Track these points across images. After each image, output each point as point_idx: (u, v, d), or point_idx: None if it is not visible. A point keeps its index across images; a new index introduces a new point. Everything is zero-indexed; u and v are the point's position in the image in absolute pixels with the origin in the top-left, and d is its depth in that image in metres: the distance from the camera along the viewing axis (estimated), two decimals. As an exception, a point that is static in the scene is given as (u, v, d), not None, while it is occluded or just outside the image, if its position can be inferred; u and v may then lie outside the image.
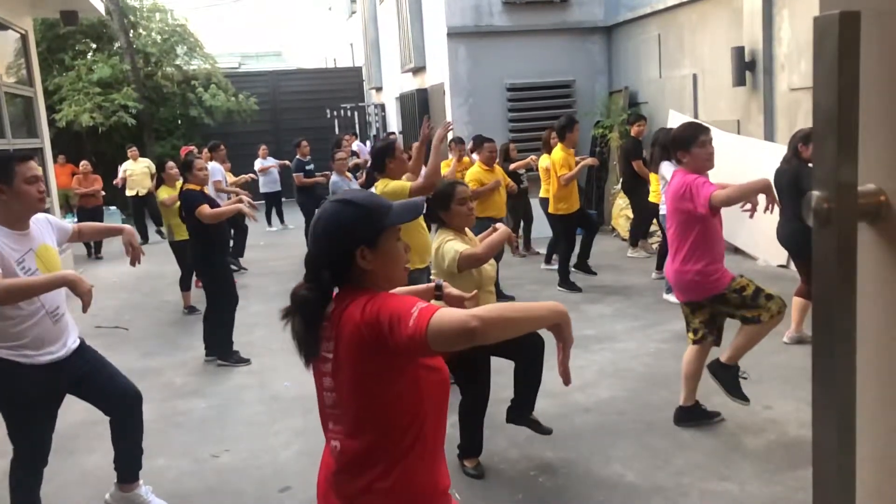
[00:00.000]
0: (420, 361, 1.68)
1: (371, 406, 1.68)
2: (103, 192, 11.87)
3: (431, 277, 3.63)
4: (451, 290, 2.21)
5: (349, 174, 8.22)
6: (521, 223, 9.30)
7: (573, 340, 1.71)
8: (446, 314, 1.52)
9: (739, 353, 3.93)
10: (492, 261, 3.58)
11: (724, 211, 3.86)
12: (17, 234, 3.00)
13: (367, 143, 15.63)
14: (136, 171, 12.27)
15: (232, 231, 9.06)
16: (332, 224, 1.74)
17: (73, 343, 3.22)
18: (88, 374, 3.28)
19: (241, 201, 5.93)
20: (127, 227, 3.47)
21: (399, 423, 1.68)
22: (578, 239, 7.64)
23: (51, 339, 3.09)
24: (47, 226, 3.24)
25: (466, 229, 3.56)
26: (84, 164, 11.77)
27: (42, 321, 3.04)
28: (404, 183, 4.60)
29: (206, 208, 5.51)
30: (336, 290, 1.77)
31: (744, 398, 3.96)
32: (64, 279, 2.85)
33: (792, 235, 5.10)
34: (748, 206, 3.63)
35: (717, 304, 3.83)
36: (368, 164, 7.68)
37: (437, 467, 1.77)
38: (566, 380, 1.74)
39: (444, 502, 1.79)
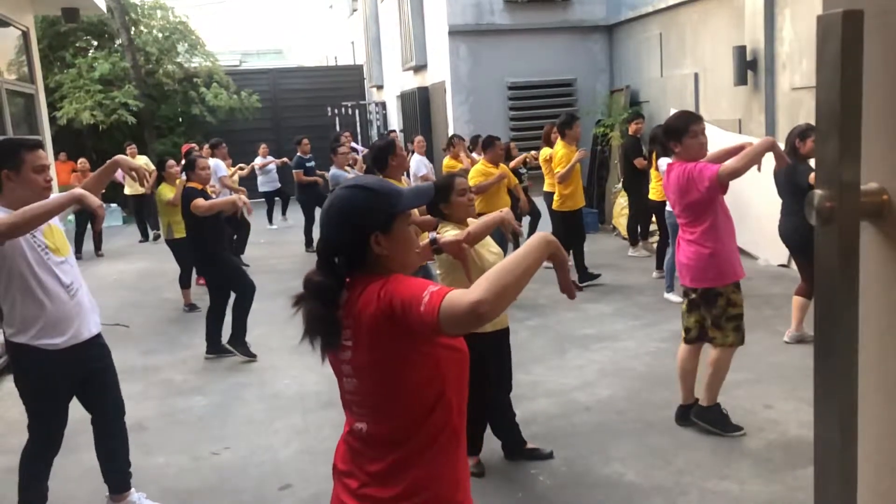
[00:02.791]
0: (438, 341, 1.68)
1: (394, 390, 1.69)
2: (102, 190, 11.85)
3: (437, 272, 3.63)
4: (445, 238, 2.22)
5: (348, 168, 8.24)
6: (524, 220, 9.27)
7: (567, 259, 1.71)
8: (455, 299, 1.50)
9: (713, 391, 3.92)
10: (497, 249, 3.57)
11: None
12: None
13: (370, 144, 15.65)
14: None
15: (234, 236, 9.08)
16: (345, 209, 1.73)
17: (94, 328, 3.25)
18: (95, 375, 3.31)
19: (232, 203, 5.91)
20: (117, 157, 3.42)
21: (423, 404, 1.68)
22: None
23: (69, 317, 3.10)
24: None
25: (469, 220, 3.56)
26: (82, 162, 11.75)
27: (59, 298, 3.07)
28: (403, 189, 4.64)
29: (200, 201, 5.52)
30: (348, 278, 1.77)
31: (737, 429, 3.92)
32: (72, 196, 2.96)
33: (793, 231, 5.09)
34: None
35: (706, 303, 3.80)
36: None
37: (459, 447, 1.78)
38: (571, 294, 1.74)
39: (465, 480, 1.80)
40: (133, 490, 3.52)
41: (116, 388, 3.45)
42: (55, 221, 3.22)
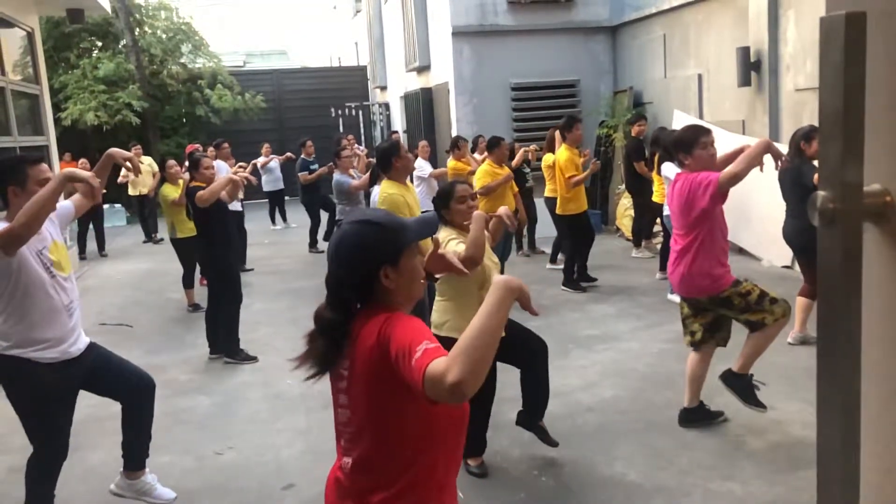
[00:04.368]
0: None
1: (382, 427, 1.69)
2: (104, 191, 11.84)
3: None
4: (428, 262, 2.23)
5: (352, 171, 8.21)
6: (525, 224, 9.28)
7: (529, 294, 1.67)
8: (437, 374, 1.46)
9: (750, 360, 3.89)
10: (496, 259, 3.59)
11: (727, 211, 3.85)
12: None
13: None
14: None
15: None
16: (355, 245, 1.75)
17: (84, 341, 3.29)
18: (100, 369, 3.34)
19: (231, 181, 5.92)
20: (110, 150, 3.44)
21: (409, 447, 1.68)
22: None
23: (66, 336, 3.14)
24: (51, 223, 3.28)
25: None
26: (83, 163, 11.74)
27: (59, 317, 3.10)
28: (410, 193, 4.65)
29: (202, 192, 5.53)
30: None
31: (760, 405, 3.91)
32: (63, 176, 2.98)
33: (797, 233, 5.09)
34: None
35: (721, 307, 3.81)
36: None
37: (445, 495, 1.77)
38: (533, 313, 1.75)
39: None
40: (147, 470, 3.57)
41: (127, 366, 3.46)
42: (59, 238, 3.25)
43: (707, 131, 3.86)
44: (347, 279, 1.75)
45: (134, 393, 3.44)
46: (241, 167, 10.26)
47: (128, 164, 3.41)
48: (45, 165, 3.16)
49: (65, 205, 3.47)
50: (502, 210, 3.67)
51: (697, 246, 3.74)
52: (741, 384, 3.94)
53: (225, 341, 5.83)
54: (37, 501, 3.26)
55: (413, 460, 1.68)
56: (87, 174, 3.05)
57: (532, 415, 3.83)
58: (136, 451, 3.52)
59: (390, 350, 1.60)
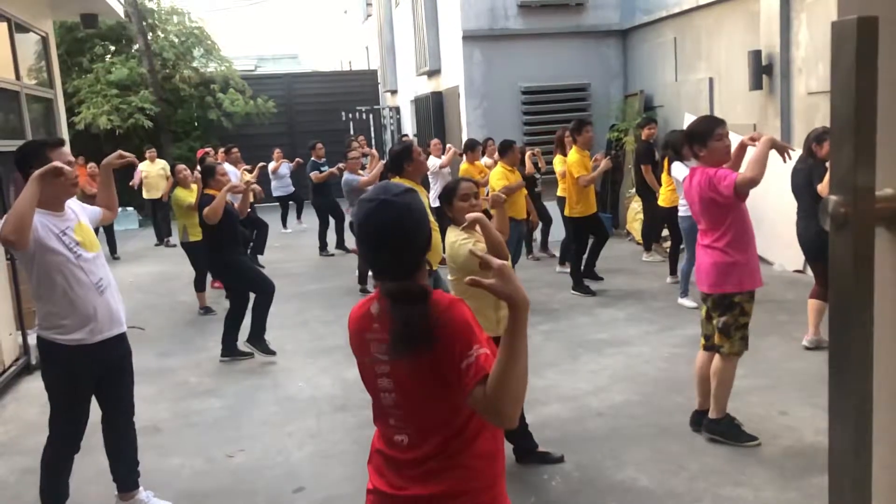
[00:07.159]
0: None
1: (434, 404, 1.71)
2: (113, 192, 11.89)
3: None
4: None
5: (361, 172, 8.27)
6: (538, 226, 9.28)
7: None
8: (483, 408, 1.61)
9: (721, 401, 3.87)
10: (506, 252, 3.60)
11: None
12: (54, 214, 3.14)
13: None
14: (151, 174, 12.32)
15: (254, 231, 9.17)
16: (422, 212, 1.77)
17: (120, 325, 3.33)
18: (114, 374, 3.38)
19: (234, 188, 5.95)
20: (104, 161, 3.51)
21: (462, 415, 1.70)
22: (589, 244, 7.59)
23: (96, 313, 3.18)
24: (79, 207, 3.36)
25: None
26: (91, 167, 11.85)
27: (88, 294, 3.14)
28: (423, 194, 4.67)
29: (206, 211, 5.58)
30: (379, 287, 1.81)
31: (752, 438, 3.87)
32: (34, 179, 2.93)
33: (810, 234, 5.06)
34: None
35: (722, 307, 3.77)
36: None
37: (499, 447, 1.82)
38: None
39: (503, 478, 1.82)
40: (141, 489, 3.58)
41: (131, 390, 3.53)
42: (85, 220, 3.31)
43: (721, 122, 3.82)
44: (423, 245, 1.77)
45: (112, 420, 3.46)
46: (246, 171, 10.36)
47: (124, 161, 3.48)
48: (66, 149, 3.21)
49: (92, 209, 3.54)
50: (493, 195, 3.72)
51: (723, 241, 3.70)
52: (723, 428, 3.90)
53: (253, 326, 5.84)
54: (50, 493, 3.29)
55: (467, 423, 1.71)
56: (55, 163, 3.00)
57: (525, 449, 3.84)
58: (123, 474, 3.54)
59: (445, 338, 1.64)
